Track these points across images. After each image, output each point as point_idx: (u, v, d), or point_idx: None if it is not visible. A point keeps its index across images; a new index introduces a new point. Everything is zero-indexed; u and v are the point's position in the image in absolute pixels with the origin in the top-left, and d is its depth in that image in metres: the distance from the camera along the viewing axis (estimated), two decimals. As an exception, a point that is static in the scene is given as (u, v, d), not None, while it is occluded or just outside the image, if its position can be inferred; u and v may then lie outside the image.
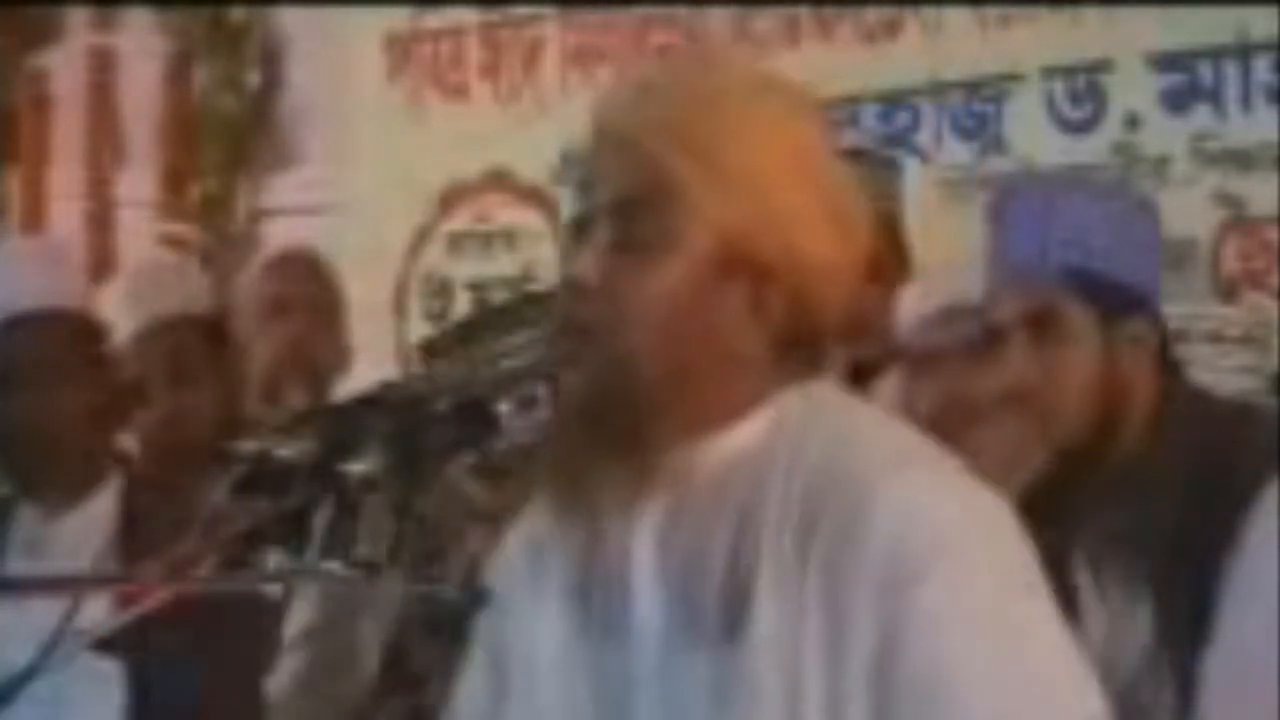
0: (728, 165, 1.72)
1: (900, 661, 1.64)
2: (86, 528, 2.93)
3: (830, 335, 1.78)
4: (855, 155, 3.82)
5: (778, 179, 1.73)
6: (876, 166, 3.57)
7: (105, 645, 2.39)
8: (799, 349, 1.76)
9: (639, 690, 1.74)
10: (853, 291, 1.78)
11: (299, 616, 3.17)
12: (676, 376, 1.72)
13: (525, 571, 1.84)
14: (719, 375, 1.74)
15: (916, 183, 3.84)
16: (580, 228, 1.78)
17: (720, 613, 1.70)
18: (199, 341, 3.56)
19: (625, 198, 1.74)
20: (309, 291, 3.85)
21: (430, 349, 1.78)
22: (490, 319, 1.82)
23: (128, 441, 3.34)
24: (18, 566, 2.94)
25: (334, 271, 3.93)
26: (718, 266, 1.72)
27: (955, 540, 1.67)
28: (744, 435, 1.74)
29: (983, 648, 1.65)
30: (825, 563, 1.67)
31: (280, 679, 3.11)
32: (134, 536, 2.89)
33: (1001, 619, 1.66)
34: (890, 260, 3.36)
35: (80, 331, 3.02)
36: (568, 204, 4.60)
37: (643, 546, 1.75)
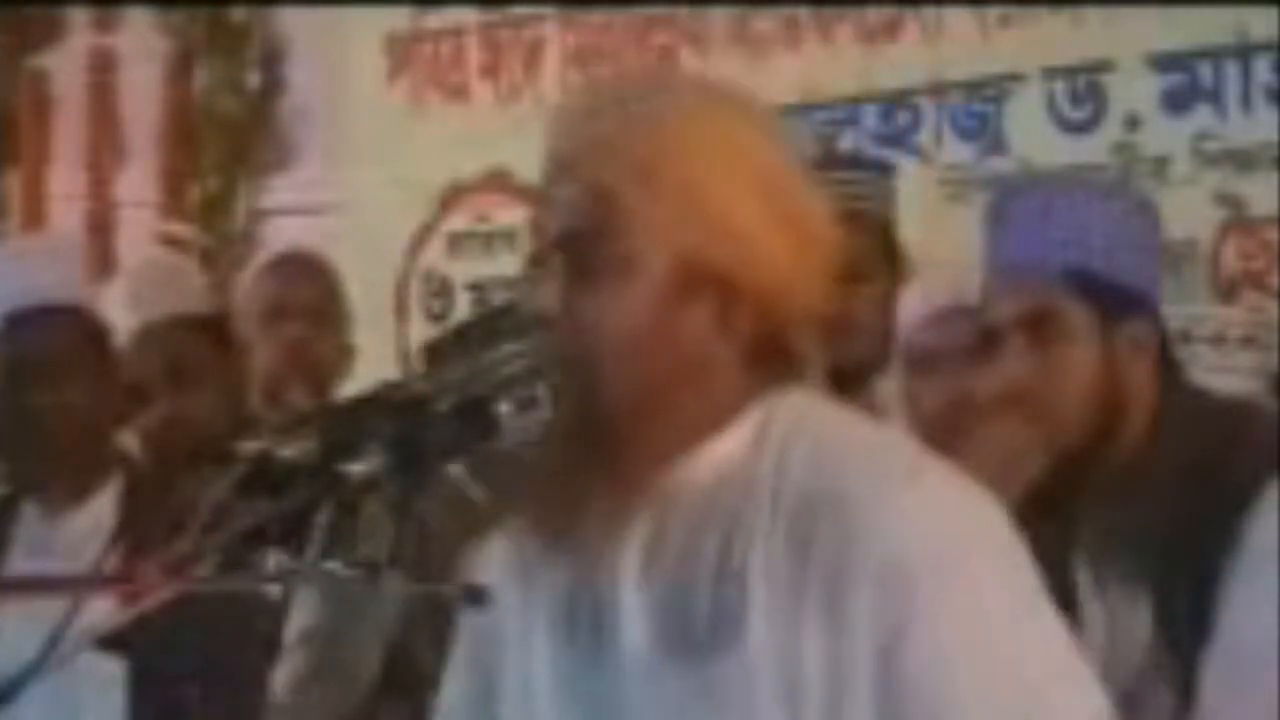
0: (675, 185, 1.71)
1: (903, 668, 1.64)
2: (90, 527, 2.93)
3: (801, 340, 1.77)
4: (847, 159, 3.83)
5: (727, 193, 1.72)
6: (867, 170, 3.57)
7: (108, 644, 2.39)
8: (770, 357, 1.76)
9: (629, 707, 1.73)
10: (820, 295, 1.77)
11: (299, 617, 3.17)
12: (650, 398, 1.72)
13: (515, 582, 1.83)
14: (693, 392, 1.73)
15: (916, 183, 3.84)
16: (539, 260, 1.78)
17: (709, 623, 1.70)
18: (199, 342, 3.57)
19: (578, 228, 1.73)
20: (309, 293, 3.85)
21: (433, 352, 1.78)
22: (490, 321, 1.82)
23: (129, 441, 3.34)
24: (20, 566, 2.94)
25: (335, 272, 3.93)
26: (678, 286, 1.72)
27: (954, 547, 1.67)
28: (724, 447, 1.74)
29: (985, 653, 1.65)
30: (825, 574, 1.66)
31: (280, 679, 3.11)
32: (135, 536, 2.89)
33: (1003, 623, 1.67)
34: (882, 261, 3.36)
35: (86, 328, 3.03)
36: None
37: (629, 565, 1.75)
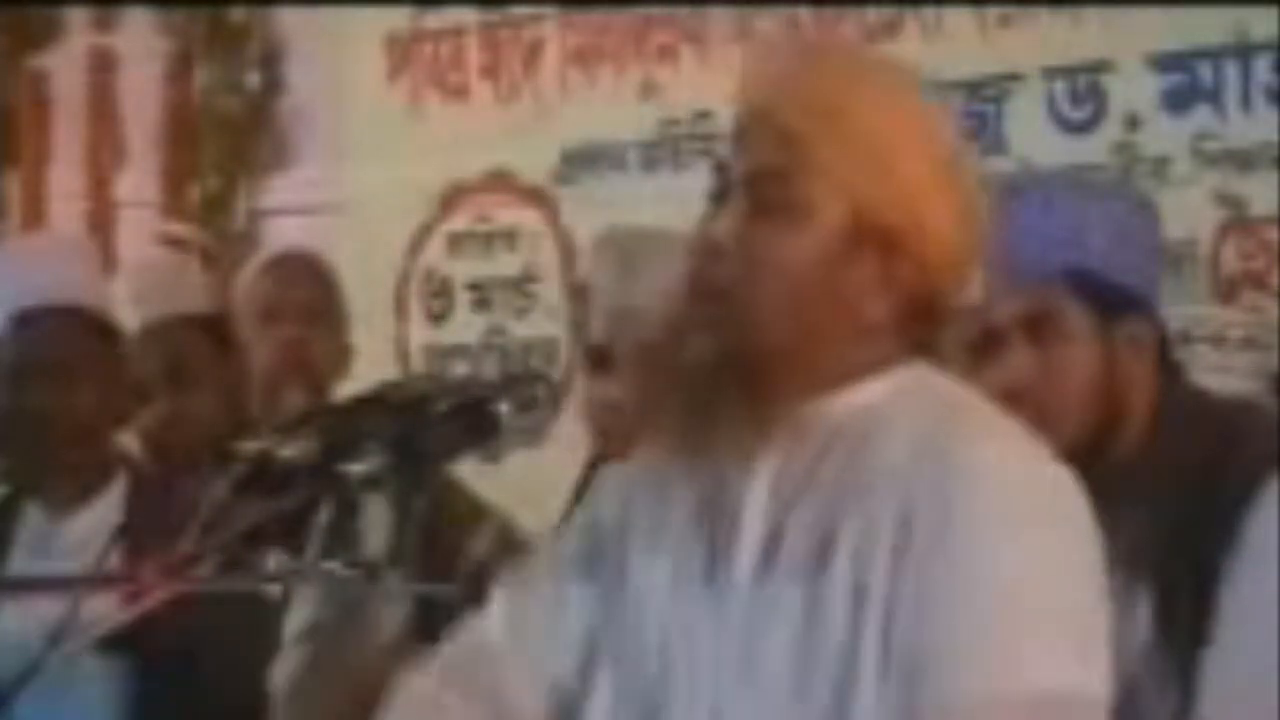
0: (861, 138, 1.79)
1: (920, 581, 1.72)
2: (92, 527, 2.93)
3: (948, 310, 1.85)
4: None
5: (908, 152, 1.80)
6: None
7: (108, 644, 2.39)
8: (920, 322, 1.83)
9: (731, 627, 1.78)
10: (974, 267, 1.87)
11: (299, 615, 3.17)
12: (804, 340, 1.79)
13: (649, 501, 1.89)
14: (844, 340, 1.80)
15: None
16: (718, 198, 1.83)
17: (807, 551, 1.76)
18: (199, 341, 3.57)
19: (763, 167, 1.80)
20: (305, 294, 3.85)
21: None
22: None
23: (130, 441, 3.34)
24: (23, 565, 2.94)
25: (332, 272, 3.93)
26: (849, 236, 1.79)
27: (1013, 492, 1.75)
28: (862, 398, 1.81)
29: (991, 599, 1.71)
30: (900, 509, 1.74)
31: (280, 678, 3.11)
32: (137, 536, 2.89)
33: (1027, 579, 1.72)
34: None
35: (94, 329, 3.02)
36: (568, 204, 4.62)
37: (756, 491, 1.81)
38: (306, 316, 3.80)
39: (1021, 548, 1.72)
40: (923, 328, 1.83)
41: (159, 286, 3.69)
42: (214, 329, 3.63)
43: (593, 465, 2.84)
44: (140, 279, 3.79)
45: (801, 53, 1.92)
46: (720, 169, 1.86)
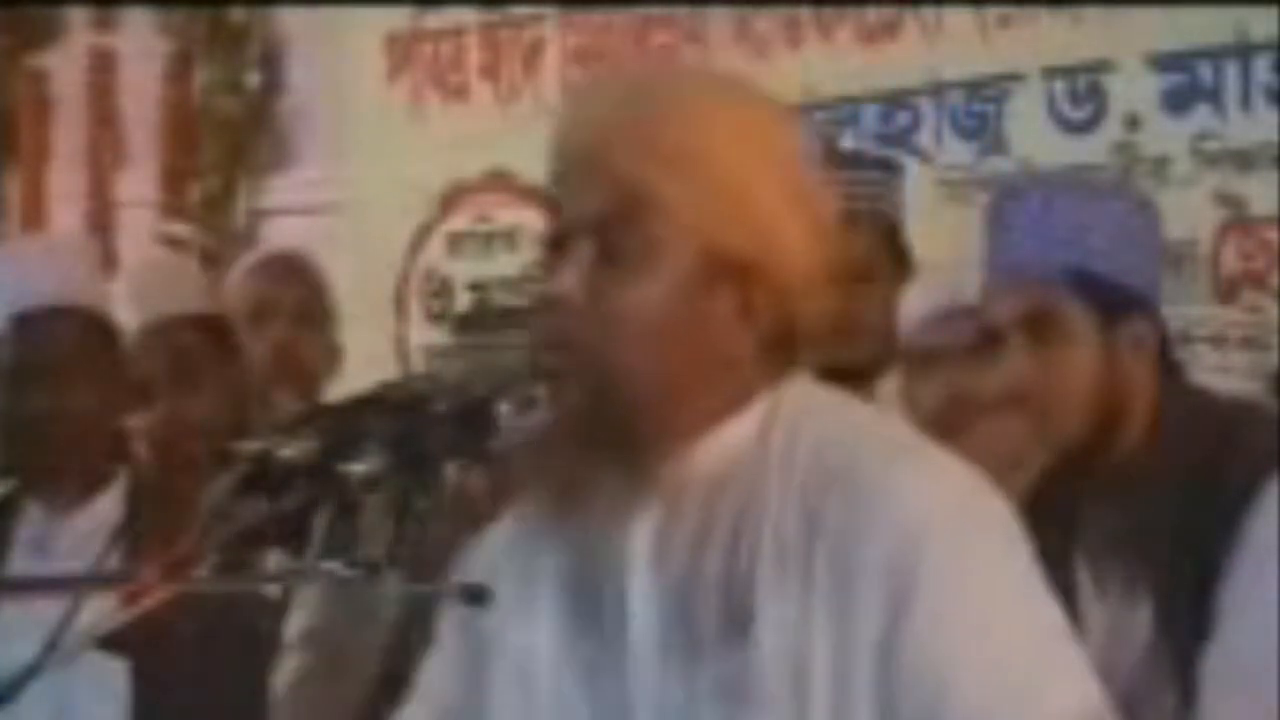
0: (704, 175, 1.72)
1: (903, 640, 1.65)
2: (93, 527, 2.93)
3: (810, 330, 1.78)
4: (854, 157, 3.83)
5: (751, 180, 1.73)
6: (875, 168, 3.57)
7: (108, 644, 2.39)
8: (782, 344, 1.77)
9: (638, 700, 1.73)
10: (829, 289, 1.78)
11: (299, 617, 3.17)
12: (667, 385, 1.72)
13: (516, 571, 1.83)
14: (709, 379, 1.74)
15: (916, 183, 3.84)
16: (557, 244, 1.78)
17: (721, 614, 1.70)
18: (200, 341, 3.57)
19: (604, 213, 1.73)
20: (293, 294, 3.85)
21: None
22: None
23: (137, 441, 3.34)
24: (23, 565, 2.94)
25: (320, 272, 3.93)
26: (703, 273, 1.72)
27: (960, 521, 1.68)
28: (735, 435, 1.75)
29: (983, 632, 1.66)
30: (832, 558, 1.67)
31: (280, 679, 3.11)
32: (137, 536, 2.89)
33: (1002, 602, 1.68)
34: (887, 261, 3.36)
35: (94, 329, 3.02)
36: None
37: (639, 554, 1.75)
38: (295, 316, 3.81)
39: (987, 580, 1.68)
40: (786, 352, 1.77)
41: (159, 286, 3.69)
42: (215, 329, 3.63)
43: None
44: (140, 279, 3.78)
45: (628, 92, 1.78)
46: (555, 213, 1.80)
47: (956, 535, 1.67)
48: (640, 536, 1.75)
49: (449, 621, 1.91)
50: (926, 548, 1.65)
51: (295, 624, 3.17)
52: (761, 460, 1.73)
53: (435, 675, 1.91)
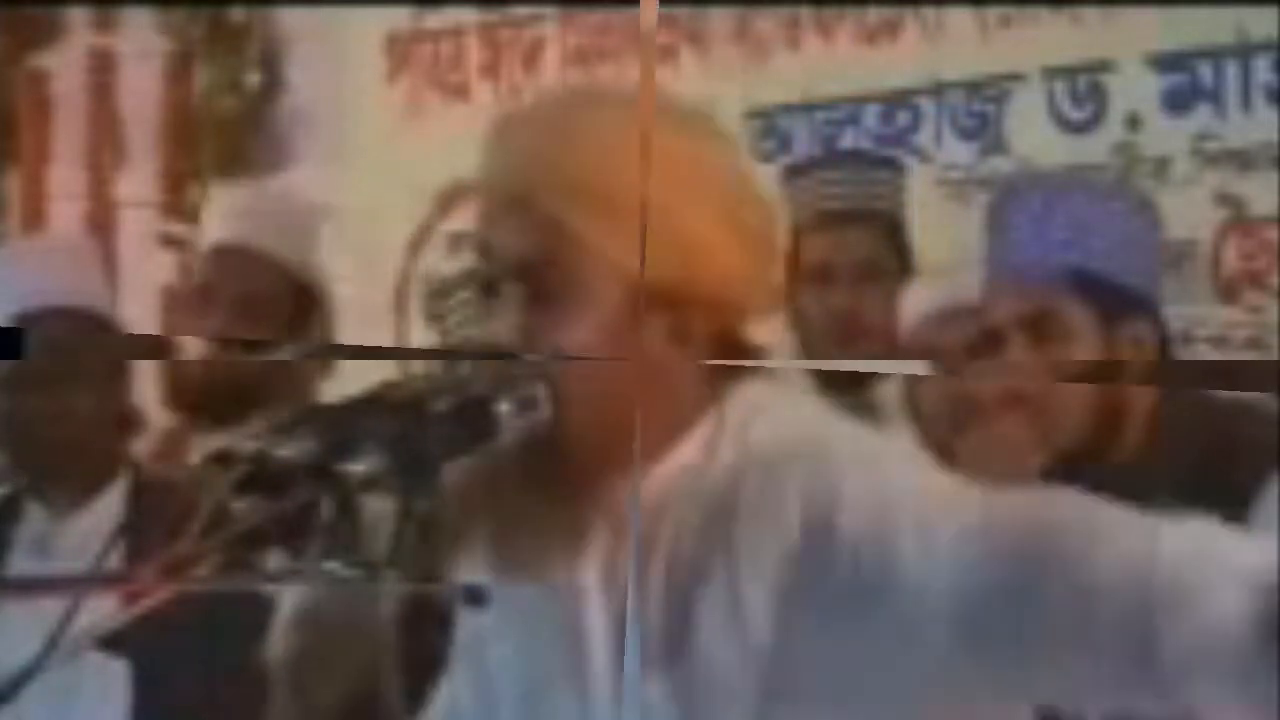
0: (625, 206, 1.70)
1: None
2: (95, 528, 2.93)
3: (758, 332, 1.78)
4: (856, 157, 3.83)
5: (682, 208, 1.72)
6: (877, 168, 3.57)
7: (108, 644, 2.39)
8: (727, 354, 1.77)
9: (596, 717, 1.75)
10: (773, 285, 1.80)
11: (292, 598, 3.16)
12: (610, 418, 1.72)
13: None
14: (652, 404, 1.73)
15: (917, 183, 3.83)
16: (486, 287, 1.77)
17: (662, 632, 1.71)
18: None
19: (529, 258, 1.73)
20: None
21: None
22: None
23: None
24: (23, 565, 2.94)
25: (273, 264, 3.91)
26: (632, 306, 1.71)
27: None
28: (683, 453, 1.75)
29: None
30: (799, 521, 1.67)
31: (274, 658, 3.09)
32: (137, 536, 2.89)
33: None
34: (890, 262, 3.36)
35: (94, 329, 3.02)
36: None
37: (589, 582, 1.76)
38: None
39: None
40: (732, 359, 1.77)
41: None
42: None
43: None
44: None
45: (550, 126, 1.77)
46: (482, 255, 1.78)
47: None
48: (591, 567, 1.76)
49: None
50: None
51: (289, 604, 3.16)
52: (710, 475, 1.73)
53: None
